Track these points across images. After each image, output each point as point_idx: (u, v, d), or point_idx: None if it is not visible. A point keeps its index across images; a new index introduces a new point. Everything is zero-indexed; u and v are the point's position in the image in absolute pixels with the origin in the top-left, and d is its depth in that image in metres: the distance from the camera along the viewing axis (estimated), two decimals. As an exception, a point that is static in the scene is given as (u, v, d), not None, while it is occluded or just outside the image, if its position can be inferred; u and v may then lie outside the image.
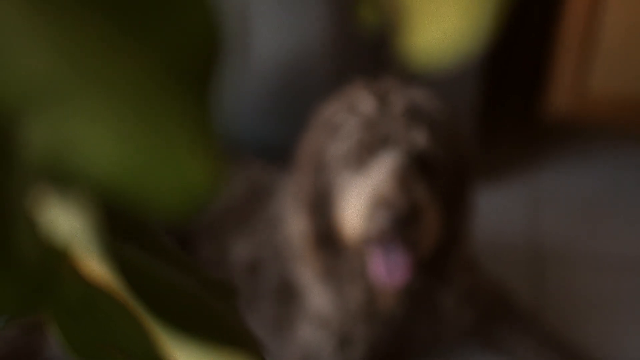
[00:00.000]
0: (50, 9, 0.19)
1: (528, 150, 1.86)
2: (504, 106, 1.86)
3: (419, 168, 0.98)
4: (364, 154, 0.99)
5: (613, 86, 1.62)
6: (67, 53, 0.19)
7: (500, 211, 1.65)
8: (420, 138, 0.97)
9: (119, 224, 0.30)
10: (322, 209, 1.04)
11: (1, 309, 0.24)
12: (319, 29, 1.44)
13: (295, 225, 1.11)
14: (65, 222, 0.24)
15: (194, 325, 0.27)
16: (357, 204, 0.97)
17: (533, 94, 1.82)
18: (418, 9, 0.26)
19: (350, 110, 1.01)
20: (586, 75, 1.61)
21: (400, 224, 0.92)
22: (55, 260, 0.26)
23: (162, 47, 0.21)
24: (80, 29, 0.20)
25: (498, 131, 1.85)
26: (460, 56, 0.28)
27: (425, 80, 1.05)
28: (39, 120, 0.19)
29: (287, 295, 1.20)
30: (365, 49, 1.44)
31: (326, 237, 1.06)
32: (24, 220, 0.23)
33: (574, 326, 1.34)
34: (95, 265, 0.28)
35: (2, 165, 0.21)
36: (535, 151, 1.85)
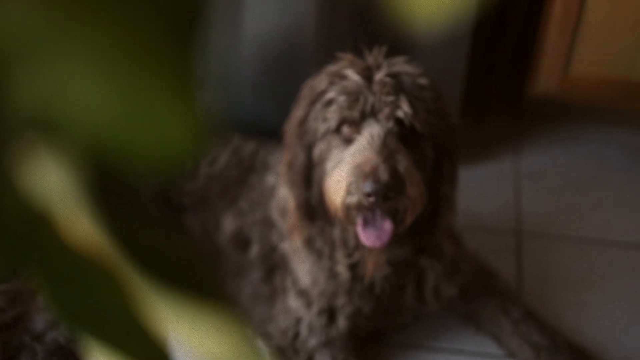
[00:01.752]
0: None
1: (512, 128, 1.86)
2: (489, 85, 1.86)
3: (402, 139, 0.99)
4: (349, 127, 1.00)
5: (597, 67, 1.63)
6: (52, 2, 0.19)
7: (482, 187, 1.66)
8: (404, 109, 0.98)
9: (107, 186, 0.30)
10: (310, 180, 1.06)
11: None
12: (308, 4, 1.43)
13: (285, 196, 1.12)
14: (53, 179, 0.24)
15: (182, 283, 0.28)
16: (341, 174, 0.98)
17: (518, 73, 1.83)
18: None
19: (336, 84, 1.01)
20: (571, 55, 1.62)
21: (382, 193, 0.93)
22: (39, 217, 0.26)
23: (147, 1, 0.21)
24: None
25: (483, 110, 1.85)
26: (450, 19, 0.28)
27: (412, 59, 1.06)
28: (26, 71, 0.19)
29: (277, 266, 1.21)
30: (354, 23, 1.44)
31: (314, 207, 1.07)
32: (4, 173, 0.22)
33: (550, 303, 1.36)
34: (81, 228, 0.28)
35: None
36: (519, 129, 1.86)
